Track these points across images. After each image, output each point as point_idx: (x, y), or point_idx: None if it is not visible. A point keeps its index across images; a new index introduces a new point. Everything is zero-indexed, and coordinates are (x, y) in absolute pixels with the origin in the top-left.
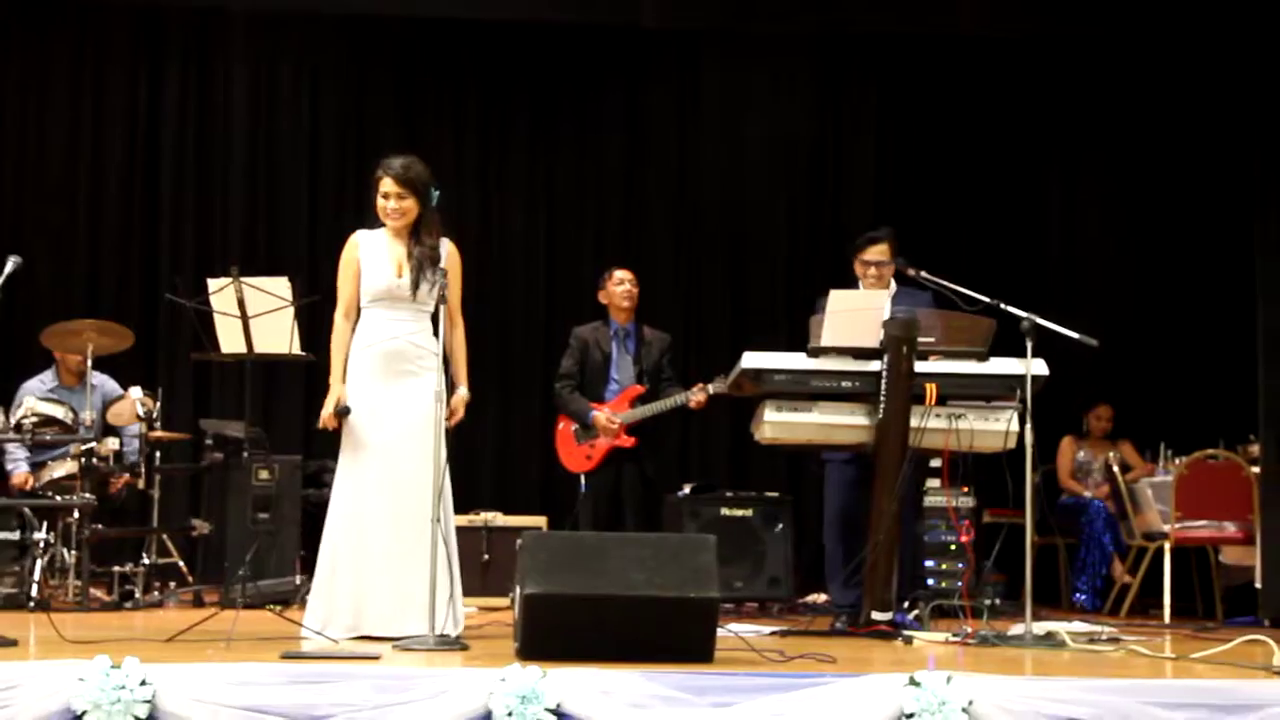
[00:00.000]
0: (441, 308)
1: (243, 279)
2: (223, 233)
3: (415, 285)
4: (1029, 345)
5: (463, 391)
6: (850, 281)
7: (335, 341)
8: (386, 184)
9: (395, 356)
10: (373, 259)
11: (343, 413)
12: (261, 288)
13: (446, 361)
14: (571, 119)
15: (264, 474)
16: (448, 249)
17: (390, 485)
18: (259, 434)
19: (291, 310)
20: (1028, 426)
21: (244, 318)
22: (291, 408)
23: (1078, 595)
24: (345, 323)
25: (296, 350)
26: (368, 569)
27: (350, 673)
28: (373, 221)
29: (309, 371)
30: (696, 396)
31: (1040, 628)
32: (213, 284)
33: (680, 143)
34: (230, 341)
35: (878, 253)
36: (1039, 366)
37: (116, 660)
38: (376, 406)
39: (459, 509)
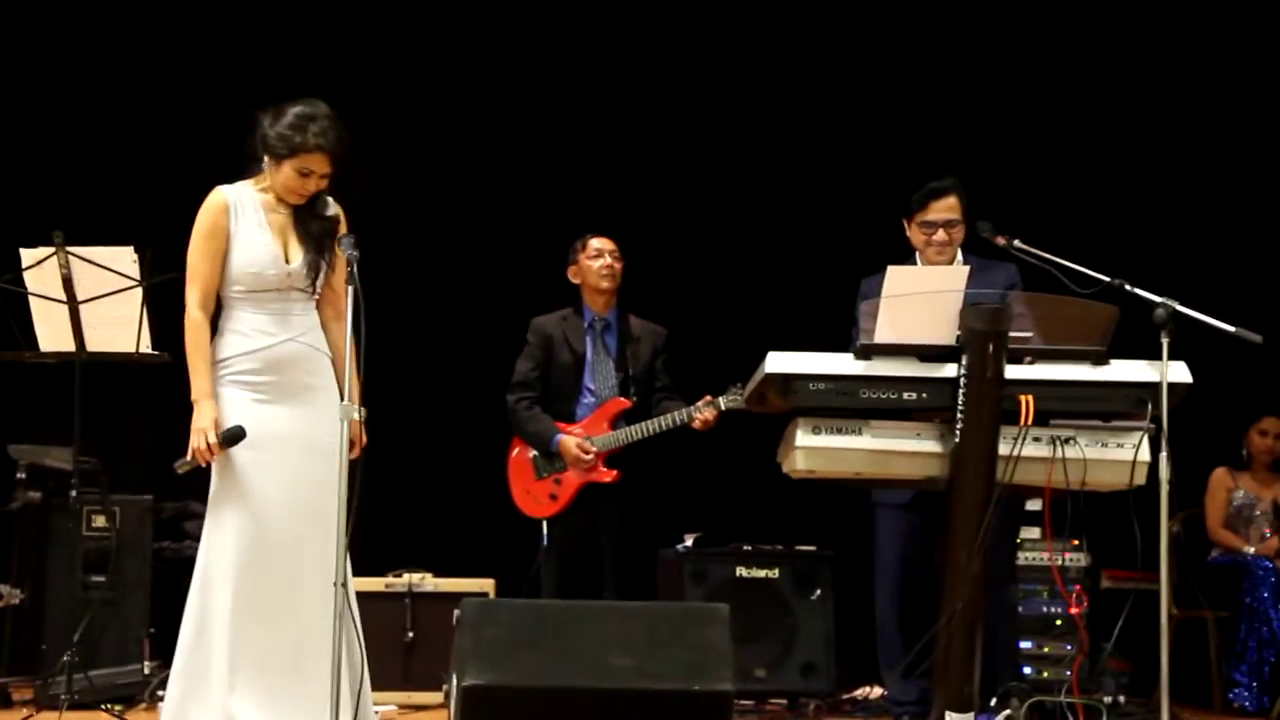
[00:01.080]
0: (319, 292)
1: (70, 249)
2: (42, 187)
3: (314, 272)
4: (1165, 342)
5: (359, 411)
6: (906, 257)
7: (193, 341)
8: (317, 161)
9: (288, 364)
10: (248, 232)
11: (233, 437)
12: (97, 261)
13: None
14: (532, 37)
15: (100, 520)
16: (338, 213)
17: (291, 540)
18: (93, 466)
19: (139, 293)
20: (1164, 455)
21: (72, 303)
22: (140, 430)
23: (1235, 691)
24: (204, 315)
25: (146, 348)
26: (251, 656)
27: None
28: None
29: (164, 379)
30: (703, 414)
31: None
32: (27, 256)
33: (674, 66)
34: (52, 336)
35: (946, 209)
36: (1180, 371)
37: None
38: (266, 436)
39: (373, 567)
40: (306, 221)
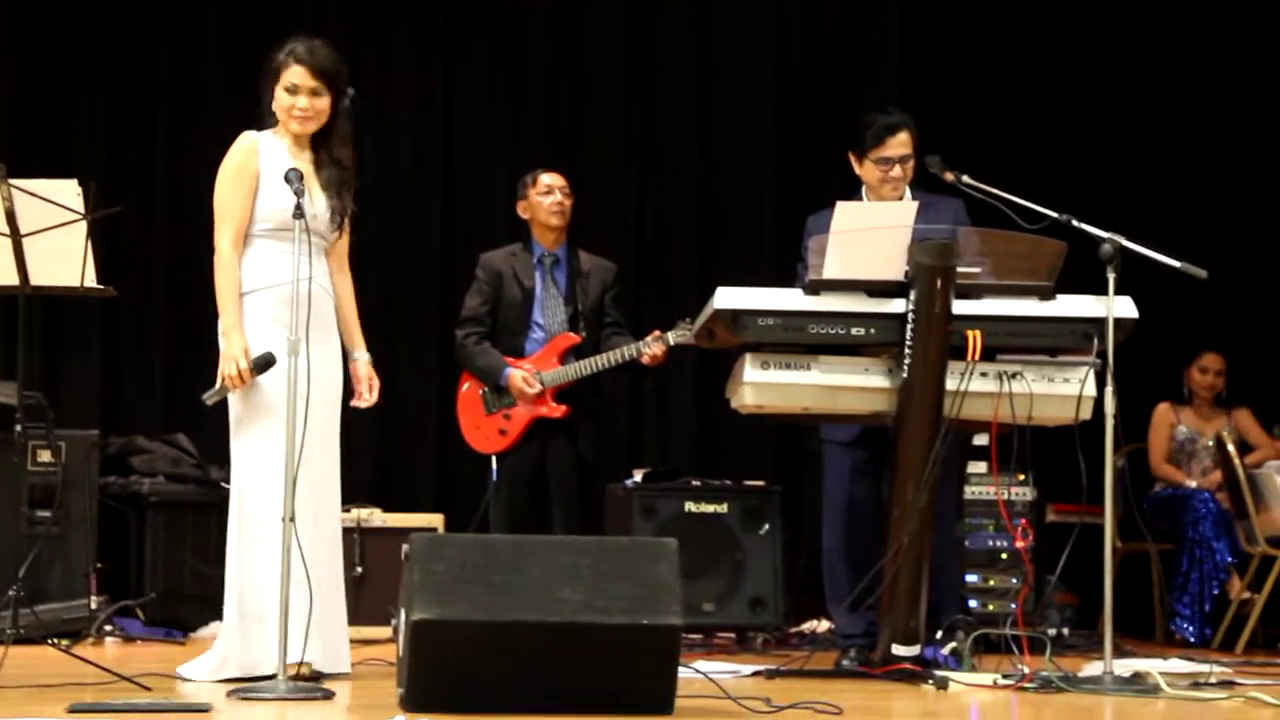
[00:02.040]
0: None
1: (12, 181)
2: None
3: (333, 215)
4: (1112, 277)
5: (366, 355)
6: (852, 193)
7: (223, 277)
8: (297, 73)
9: (306, 305)
10: (275, 172)
11: (264, 364)
12: (40, 194)
13: None
14: None
15: (45, 455)
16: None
17: (306, 472)
18: (38, 400)
19: (84, 226)
20: (1109, 390)
21: (15, 236)
22: (85, 364)
23: (1177, 622)
24: (234, 253)
25: (91, 283)
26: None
27: None
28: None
29: (108, 312)
30: (652, 349)
31: (1125, 667)
32: None
33: (631, 3)
34: None
35: (900, 145)
36: (1125, 306)
37: None
38: (285, 373)
39: None
40: (326, 169)
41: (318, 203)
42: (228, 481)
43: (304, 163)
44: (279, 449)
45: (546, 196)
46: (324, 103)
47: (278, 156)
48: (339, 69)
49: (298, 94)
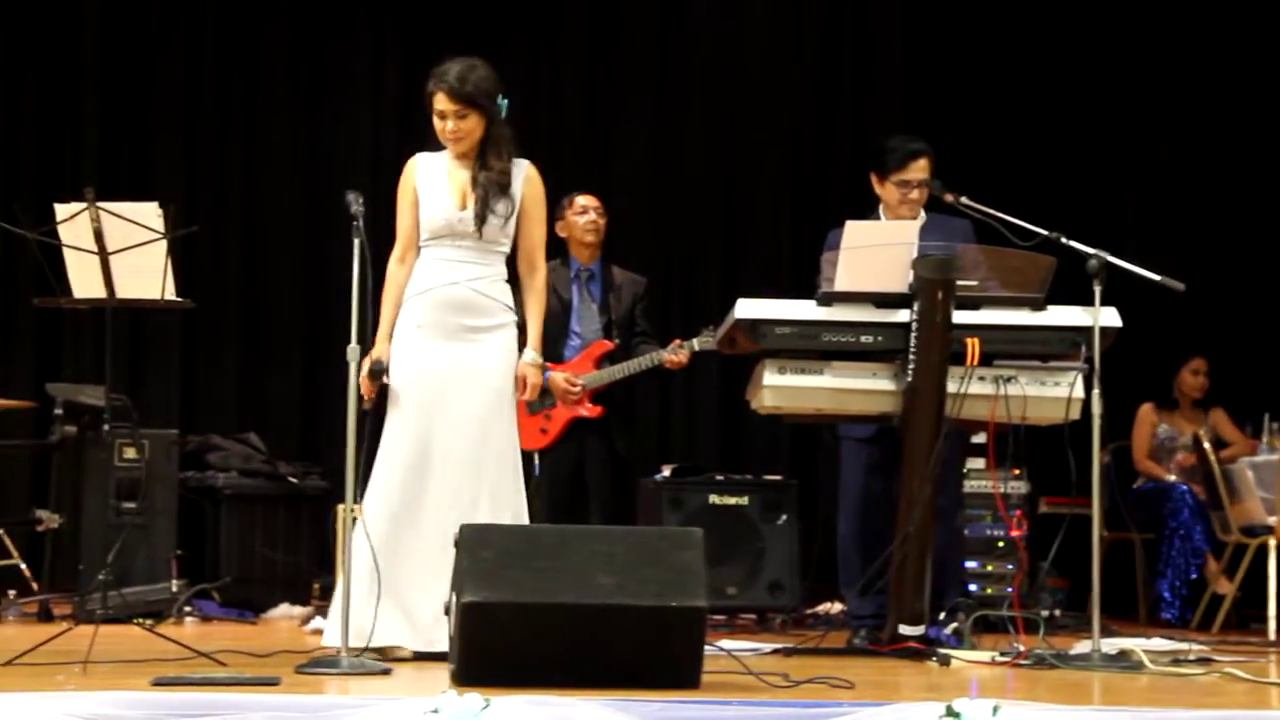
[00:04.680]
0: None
1: (100, 204)
2: (74, 147)
3: (481, 219)
4: (1098, 289)
5: (531, 355)
6: (870, 208)
7: (386, 289)
8: (441, 101)
9: (456, 306)
10: (432, 187)
11: (377, 373)
12: (125, 215)
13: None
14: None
15: (130, 452)
16: (525, 173)
17: (444, 466)
18: (124, 402)
19: (164, 245)
20: (1095, 392)
21: (103, 254)
22: (166, 370)
23: (1161, 606)
24: (400, 267)
25: (171, 295)
26: (408, 572)
27: (240, 703)
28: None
29: (186, 323)
30: (673, 355)
31: (1111, 645)
32: (61, 211)
33: (658, 29)
34: (85, 284)
35: (920, 169)
36: (1110, 316)
37: None
38: (431, 368)
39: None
40: (479, 175)
41: (469, 207)
42: (296, 477)
43: (465, 171)
44: (404, 452)
45: (581, 216)
46: (469, 123)
47: (437, 171)
48: (479, 88)
49: (445, 119)
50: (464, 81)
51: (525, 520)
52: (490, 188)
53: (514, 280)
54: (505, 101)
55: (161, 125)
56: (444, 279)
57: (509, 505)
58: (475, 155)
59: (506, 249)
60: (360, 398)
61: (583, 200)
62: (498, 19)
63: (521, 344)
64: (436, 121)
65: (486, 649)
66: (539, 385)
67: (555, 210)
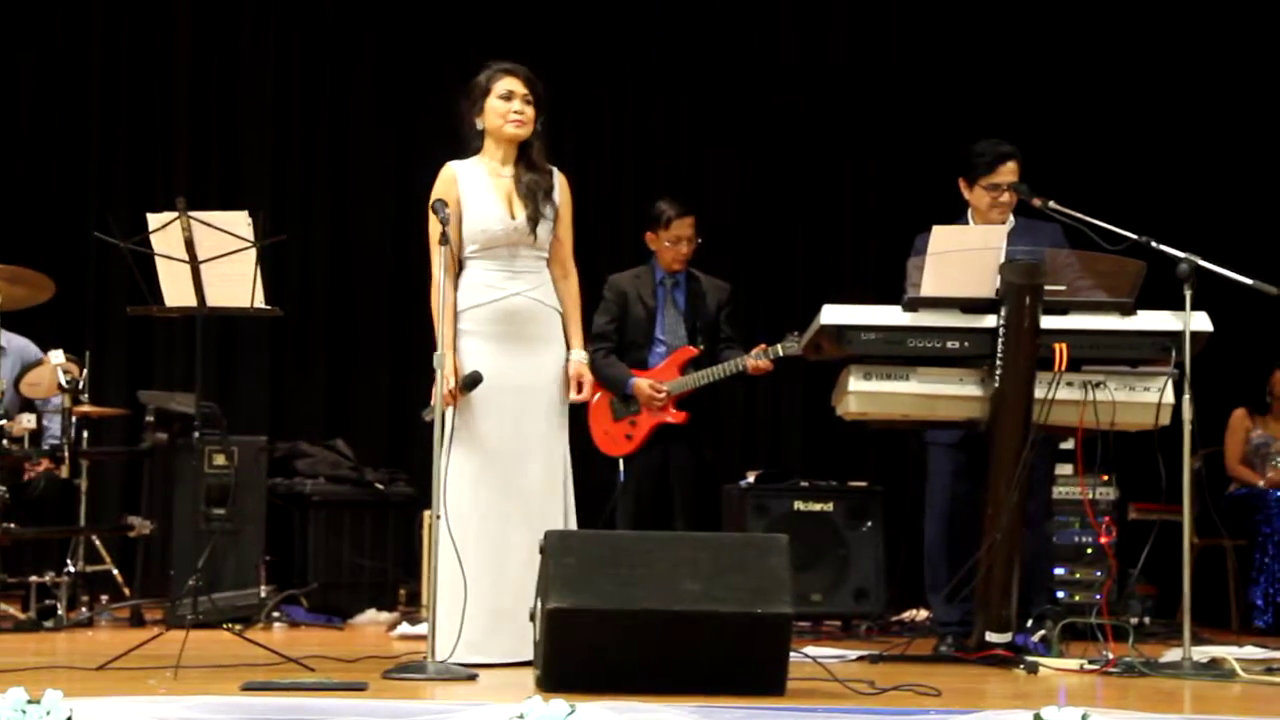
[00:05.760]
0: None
1: (191, 214)
2: (165, 157)
3: (534, 222)
4: (1188, 294)
5: (581, 355)
6: (957, 213)
7: (439, 300)
8: (513, 83)
9: (517, 317)
10: (477, 196)
11: (472, 383)
12: (215, 224)
13: None
14: (603, 10)
15: (220, 459)
16: (558, 179)
17: (519, 477)
18: (213, 409)
19: (254, 253)
20: (1186, 398)
21: (193, 262)
22: (255, 377)
23: (1254, 613)
24: (449, 278)
25: (260, 303)
26: (501, 582)
27: (327, 708)
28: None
29: (275, 330)
30: (757, 361)
31: (1202, 653)
32: (153, 220)
33: (743, 36)
34: (176, 292)
35: (1010, 173)
36: (1201, 321)
37: (34, 693)
38: (499, 379)
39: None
40: (526, 178)
41: (518, 214)
42: (382, 483)
43: (505, 178)
44: (478, 463)
45: (674, 246)
46: (532, 112)
47: (478, 180)
48: (541, 86)
49: (513, 99)
50: (530, 73)
51: (574, 523)
52: (538, 191)
53: None
54: (542, 119)
55: (250, 135)
56: (504, 290)
57: (571, 509)
58: (514, 160)
59: (548, 253)
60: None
61: (678, 229)
62: (583, 28)
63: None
64: (498, 103)
65: (571, 655)
66: (593, 382)
67: (648, 221)
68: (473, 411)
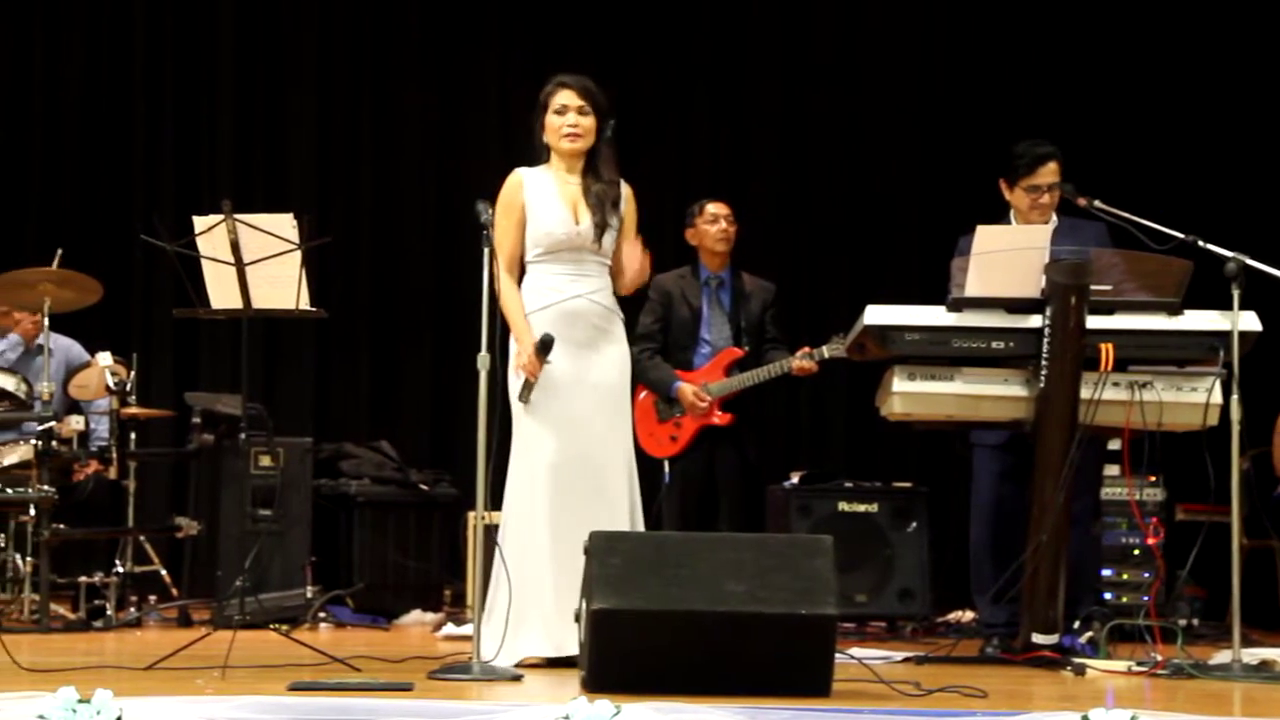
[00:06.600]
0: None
1: (237, 216)
2: (210, 160)
3: (601, 229)
4: (1236, 293)
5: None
6: (1000, 214)
7: (505, 297)
8: (567, 95)
9: (580, 319)
10: (543, 202)
11: (546, 344)
12: (261, 227)
13: None
14: (645, 14)
15: (266, 460)
16: (626, 192)
17: (589, 476)
18: (259, 411)
19: (299, 255)
20: (1234, 398)
21: (239, 265)
22: (300, 379)
23: None
24: (510, 277)
25: (305, 305)
26: (552, 580)
27: (374, 708)
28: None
29: (321, 332)
30: (802, 362)
31: (1252, 655)
32: (199, 223)
33: (786, 38)
34: (222, 295)
35: (1050, 174)
36: (1250, 320)
37: (84, 693)
38: (565, 380)
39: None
40: (593, 186)
41: (583, 220)
42: (427, 484)
43: (572, 185)
44: (544, 461)
45: (712, 225)
46: (590, 122)
47: (544, 185)
48: (602, 95)
49: (566, 113)
50: (590, 84)
51: (641, 518)
52: (606, 200)
53: None
54: (612, 123)
55: (295, 137)
56: (566, 292)
57: (638, 510)
58: (582, 169)
59: (610, 260)
60: (491, 407)
61: (713, 209)
62: (628, 31)
63: None
64: (553, 119)
65: (616, 656)
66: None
67: (685, 217)
68: (537, 412)
